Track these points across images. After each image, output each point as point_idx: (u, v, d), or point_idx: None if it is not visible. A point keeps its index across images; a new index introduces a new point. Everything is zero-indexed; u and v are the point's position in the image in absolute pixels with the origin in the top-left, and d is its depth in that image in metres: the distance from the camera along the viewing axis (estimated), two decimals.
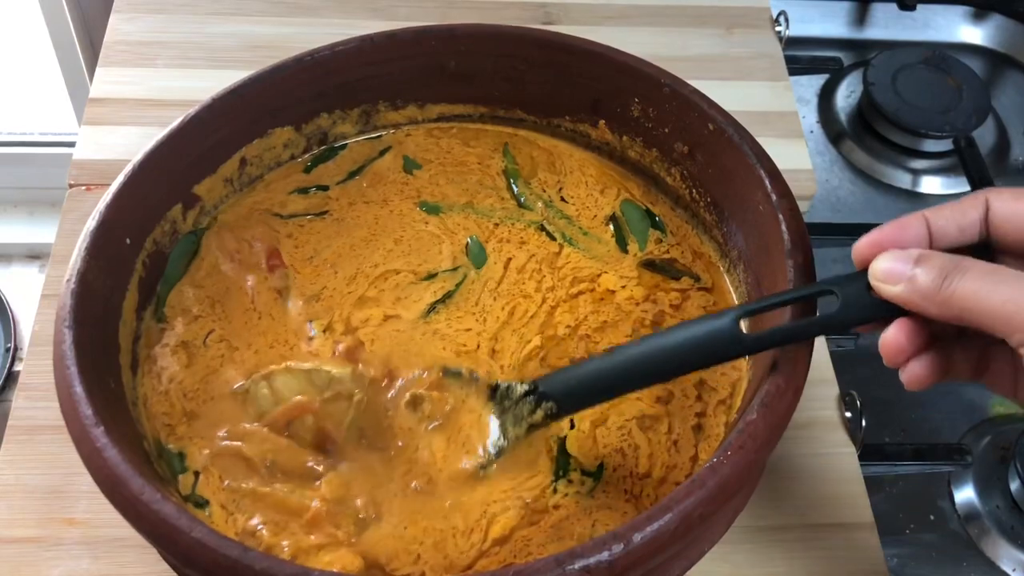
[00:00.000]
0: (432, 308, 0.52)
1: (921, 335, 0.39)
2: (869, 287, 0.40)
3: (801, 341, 0.42)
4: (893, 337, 0.40)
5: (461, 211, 0.57)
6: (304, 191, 0.57)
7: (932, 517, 0.62)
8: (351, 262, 0.54)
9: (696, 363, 0.43)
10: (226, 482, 0.46)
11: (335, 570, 0.42)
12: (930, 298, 0.38)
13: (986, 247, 0.40)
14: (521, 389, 0.46)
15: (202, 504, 0.45)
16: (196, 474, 0.46)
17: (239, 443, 0.47)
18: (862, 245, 0.41)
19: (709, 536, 0.44)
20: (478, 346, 0.51)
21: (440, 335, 0.51)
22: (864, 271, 0.40)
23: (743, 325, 0.41)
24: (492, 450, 0.47)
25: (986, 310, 0.36)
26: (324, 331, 0.51)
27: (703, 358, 0.43)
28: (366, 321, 0.52)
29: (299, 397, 0.48)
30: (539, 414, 0.46)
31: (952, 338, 0.41)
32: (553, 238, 0.55)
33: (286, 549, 0.44)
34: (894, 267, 0.39)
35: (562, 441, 0.48)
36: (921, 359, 0.40)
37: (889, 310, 0.39)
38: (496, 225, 0.56)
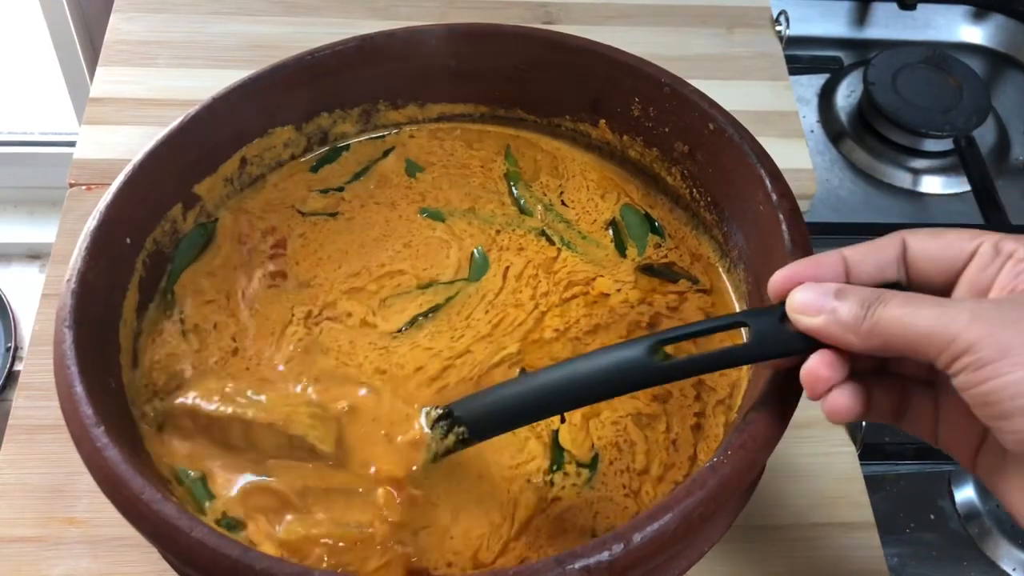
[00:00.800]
0: (413, 321, 0.52)
1: (842, 365, 0.38)
2: (783, 320, 0.39)
3: (712, 371, 0.43)
4: (814, 367, 0.38)
5: (463, 216, 0.57)
6: (324, 191, 0.57)
7: (932, 516, 0.63)
8: (358, 259, 0.54)
9: (608, 390, 0.42)
10: (277, 527, 0.44)
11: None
12: (853, 329, 0.37)
13: (901, 288, 0.39)
14: (435, 414, 0.46)
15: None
16: (238, 521, 0.45)
17: (267, 477, 0.46)
18: (778, 279, 0.40)
19: (709, 536, 0.44)
20: (419, 368, 0.50)
21: (388, 354, 0.51)
22: (781, 304, 0.39)
23: (666, 352, 0.40)
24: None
25: (911, 334, 0.35)
26: (306, 318, 0.52)
27: (616, 385, 0.41)
28: (348, 315, 0.52)
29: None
30: (451, 439, 0.45)
31: (871, 376, 0.40)
32: (552, 242, 0.55)
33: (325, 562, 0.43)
34: (813, 299, 0.38)
35: (555, 434, 0.48)
36: (843, 389, 0.38)
37: (805, 344, 0.38)
38: (498, 232, 0.56)
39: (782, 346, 0.40)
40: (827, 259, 0.39)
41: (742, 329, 0.42)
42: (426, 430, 0.46)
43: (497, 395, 0.45)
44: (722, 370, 0.45)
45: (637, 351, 0.40)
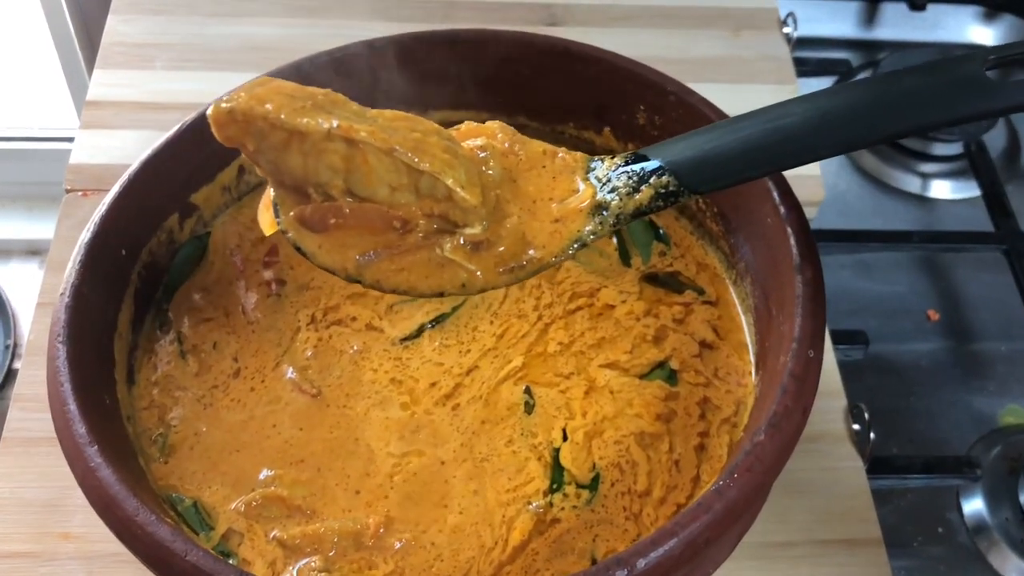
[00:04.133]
0: (421, 331, 0.51)
1: None
2: None
3: None
4: None
5: None
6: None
7: (941, 530, 0.62)
8: None
9: (932, 119, 0.32)
10: (272, 534, 0.44)
11: None
12: None
13: None
14: (612, 163, 0.34)
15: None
16: (235, 535, 0.44)
17: (271, 488, 0.45)
18: None
19: (714, 558, 0.43)
20: (434, 384, 0.49)
21: (402, 366, 0.50)
22: None
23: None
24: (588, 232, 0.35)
25: None
26: (309, 323, 0.51)
27: (939, 110, 0.32)
28: (353, 319, 0.51)
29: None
30: (644, 193, 0.34)
31: None
32: None
33: None
34: None
35: (556, 452, 0.47)
36: None
37: None
38: None
39: None
40: None
41: None
42: (600, 190, 0.34)
43: (723, 131, 0.33)
44: None
45: (969, 67, 0.31)
